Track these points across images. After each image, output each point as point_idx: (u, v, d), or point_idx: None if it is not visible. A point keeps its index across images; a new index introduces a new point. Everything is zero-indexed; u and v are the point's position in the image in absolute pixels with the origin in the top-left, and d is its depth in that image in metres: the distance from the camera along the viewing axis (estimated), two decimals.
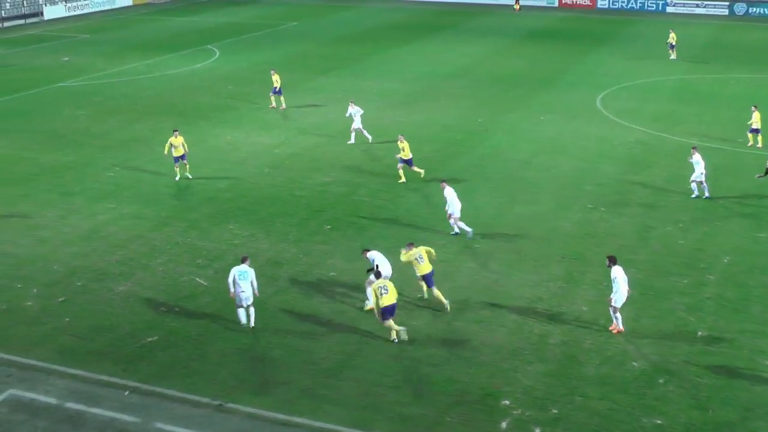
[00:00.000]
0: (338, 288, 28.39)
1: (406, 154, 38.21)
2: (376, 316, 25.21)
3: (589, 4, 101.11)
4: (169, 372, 23.58)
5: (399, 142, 38.62)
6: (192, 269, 29.81)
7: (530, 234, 32.83)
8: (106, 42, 77.92)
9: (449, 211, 32.37)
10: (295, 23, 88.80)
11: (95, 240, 32.53)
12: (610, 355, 24.38)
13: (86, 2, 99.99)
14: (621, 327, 25.50)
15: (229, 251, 31.22)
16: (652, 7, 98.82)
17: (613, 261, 25.54)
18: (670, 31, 70.08)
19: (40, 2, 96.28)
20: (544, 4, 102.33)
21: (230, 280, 25.71)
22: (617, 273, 25.23)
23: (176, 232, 33.11)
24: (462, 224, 32.43)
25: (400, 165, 38.51)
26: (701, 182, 36.21)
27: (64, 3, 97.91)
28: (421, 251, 26.93)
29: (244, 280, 25.62)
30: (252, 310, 25.93)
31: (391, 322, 24.94)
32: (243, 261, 26.13)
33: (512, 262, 30.26)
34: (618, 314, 25.46)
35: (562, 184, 38.39)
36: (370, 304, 26.56)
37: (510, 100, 54.01)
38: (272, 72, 52.38)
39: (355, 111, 44.93)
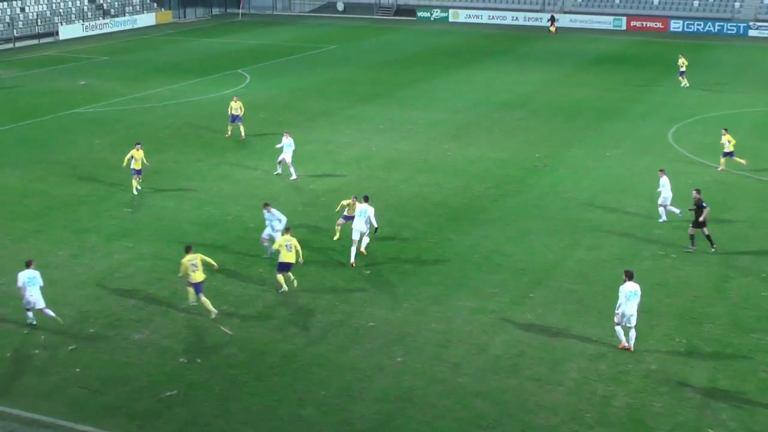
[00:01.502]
0: (378, 340, 28.36)
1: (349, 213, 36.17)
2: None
3: (660, 26, 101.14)
4: (189, 430, 23.64)
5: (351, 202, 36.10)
6: (217, 317, 29.94)
7: (593, 282, 32.65)
8: (127, 65, 79.08)
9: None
10: (334, 46, 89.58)
11: (110, 282, 32.81)
12: (682, 420, 24.10)
13: (105, 21, 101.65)
14: (624, 343, 27.51)
15: (258, 297, 31.34)
16: (732, 30, 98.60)
17: (629, 276, 27.60)
18: (680, 55, 69.78)
19: (56, 21, 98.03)
20: (610, 27, 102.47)
21: (19, 285, 28.89)
22: (625, 289, 27.36)
23: None
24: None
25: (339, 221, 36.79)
26: (666, 206, 38.47)
27: (81, 22, 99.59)
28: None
29: (32, 286, 28.82)
30: (49, 312, 28.88)
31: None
32: (28, 266, 29.23)
33: (573, 314, 30.08)
34: (618, 328, 27.37)
35: (629, 227, 38.19)
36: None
37: (572, 132, 53.96)
38: (235, 99, 53.42)
39: (287, 143, 44.72)
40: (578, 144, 51.37)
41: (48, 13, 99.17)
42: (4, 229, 38.14)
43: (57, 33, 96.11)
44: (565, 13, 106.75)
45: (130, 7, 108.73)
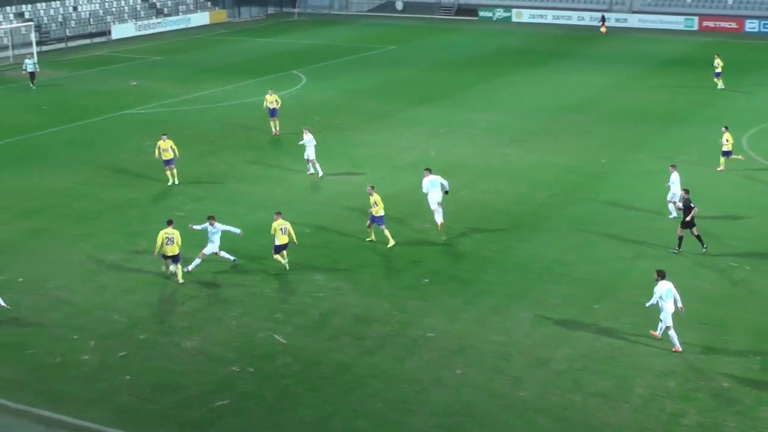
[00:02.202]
0: (436, 351, 28.33)
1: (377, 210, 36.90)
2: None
3: (735, 27, 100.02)
4: None
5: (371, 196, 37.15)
6: (270, 325, 30.10)
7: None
8: (179, 65, 79.82)
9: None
10: (393, 47, 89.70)
11: (161, 288, 33.10)
12: None
13: (158, 21, 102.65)
14: (678, 347, 27.99)
15: (312, 305, 31.46)
16: None
17: (661, 275, 28.31)
18: (716, 56, 69.02)
19: (108, 20, 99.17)
20: (681, 27, 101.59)
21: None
22: (660, 288, 27.99)
23: (253, 282, 33.50)
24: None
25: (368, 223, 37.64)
26: (675, 202, 38.88)
27: (134, 21, 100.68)
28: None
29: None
30: None
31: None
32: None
33: (639, 327, 29.81)
34: (671, 332, 27.96)
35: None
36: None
37: (640, 138, 53.56)
38: (270, 92, 54.70)
39: (308, 140, 45.54)
40: (645, 150, 50.95)
41: (101, 12, 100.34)
42: (53, 233, 38.64)
43: (109, 32, 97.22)
44: (634, 12, 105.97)
45: (184, 6, 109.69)
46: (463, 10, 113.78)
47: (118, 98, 65.67)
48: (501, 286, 33.05)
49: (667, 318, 28.09)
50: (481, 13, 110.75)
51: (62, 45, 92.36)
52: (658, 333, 28.68)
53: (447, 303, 31.65)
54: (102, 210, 41.50)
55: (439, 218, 37.79)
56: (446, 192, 38.44)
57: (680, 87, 68.50)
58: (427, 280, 33.56)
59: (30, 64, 71.53)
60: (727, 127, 46.92)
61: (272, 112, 54.07)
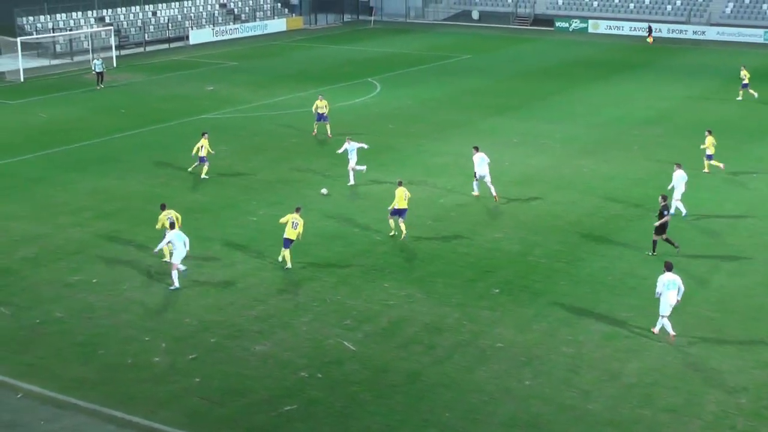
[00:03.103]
0: (505, 362, 28.22)
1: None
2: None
3: None
4: None
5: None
6: (339, 331, 30.20)
7: (734, 310, 31.92)
8: (255, 71, 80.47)
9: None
10: (468, 56, 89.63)
11: (232, 292, 33.38)
12: None
13: (235, 27, 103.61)
14: (671, 332, 29.39)
15: (382, 313, 31.51)
16: None
17: (668, 267, 29.60)
18: (742, 67, 69.17)
19: (186, 25, 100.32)
20: (760, 40, 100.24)
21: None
22: (662, 278, 29.28)
23: (324, 288, 33.65)
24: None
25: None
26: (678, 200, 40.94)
27: (211, 27, 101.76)
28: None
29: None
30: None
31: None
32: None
33: (712, 343, 29.45)
34: (665, 320, 29.31)
35: None
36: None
37: (716, 151, 52.86)
38: (320, 97, 56.54)
39: (351, 147, 46.05)
40: (722, 163, 50.27)
41: (179, 17, 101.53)
42: (128, 234, 39.13)
43: (187, 37, 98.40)
44: (712, 25, 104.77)
45: (261, 13, 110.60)
46: (539, 21, 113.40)
47: (195, 103, 66.36)
48: (572, 297, 32.83)
49: (663, 308, 29.39)
50: (558, 24, 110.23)
51: (141, 49, 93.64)
52: (656, 329, 29.90)
53: (517, 313, 31.52)
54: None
55: (492, 189, 43.18)
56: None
57: (759, 101, 67.51)
58: (497, 290, 33.45)
59: (98, 65, 73.06)
60: (710, 131, 48.71)
61: (320, 117, 55.76)
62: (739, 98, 67.45)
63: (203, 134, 48.03)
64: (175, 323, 30.78)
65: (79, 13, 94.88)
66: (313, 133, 55.77)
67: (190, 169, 48.05)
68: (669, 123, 60.28)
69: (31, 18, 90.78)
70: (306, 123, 58.85)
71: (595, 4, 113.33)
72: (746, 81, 67.96)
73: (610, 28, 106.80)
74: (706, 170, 48.22)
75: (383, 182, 46.23)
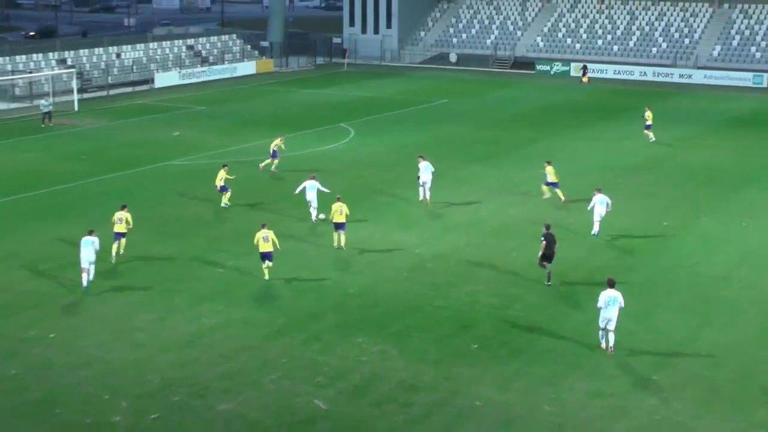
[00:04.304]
0: (485, 422, 28.06)
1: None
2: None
3: None
4: None
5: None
6: (310, 389, 29.98)
7: (726, 366, 31.89)
8: (223, 115, 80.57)
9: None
10: (445, 101, 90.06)
11: (197, 348, 33.12)
12: None
13: (203, 69, 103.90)
14: (603, 345, 32.78)
15: (355, 369, 31.32)
16: None
17: (610, 284, 32.58)
18: (647, 108, 71.17)
19: (152, 68, 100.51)
20: (749, 84, 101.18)
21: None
22: (603, 294, 32.34)
23: (294, 344, 33.44)
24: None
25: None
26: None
27: (177, 69, 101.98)
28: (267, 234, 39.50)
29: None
30: None
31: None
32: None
33: (703, 401, 29.38)
34: (601, 332, 32.51)
35: None
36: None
37: (704, 200, 53.17)
38: (281, 138, 60.65)
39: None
40: (711, 212, 50.55)
41: (144, 59, 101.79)
42: (89, 286, 38.82)
43: (152, 81, 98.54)
44: (699, 68, 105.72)
45: (230, 55, 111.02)
46: (519, 64, 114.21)
47: (160, 149, 66.26)
48: (554, 354, 32.72)
49: (602, 321, 32.45)
50: (539, 67, 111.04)
51: (104, 93, 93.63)
52: (608, 345, 32.63)
53: (497, 371, 31.38)
54: (138, 266, 41.69)
55: (426, 195, 51.39)
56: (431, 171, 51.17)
57: (748, 147, 68.00)
58: (476, 346, 33.32)
59: (45, 105, 73.89)
60: (549, 162, 52.57)
61: (274, 154, 58.77)
62: (652, 140, 68.93)
63: (223, 166, 51.68)
64: (137, 381, 30.48)
65: (40, 55, 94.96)
66: (262, 168, 58.65)
67: (222, 204, 51.01)
68: (657, 170, 60.51)
69: None
70: (279, 170, 58.77)
71: (578, 46, 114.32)
72: (649, 122, 69.62)
73: (594, 71, 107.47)
74: (547, 195, 52.63)
75: (357, 232, 46.16)
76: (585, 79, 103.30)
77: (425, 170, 51.32)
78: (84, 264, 38.17)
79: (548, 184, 52.32)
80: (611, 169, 60.78)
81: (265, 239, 39.29)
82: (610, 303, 32.15)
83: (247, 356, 32.43)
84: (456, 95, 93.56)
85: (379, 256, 43.18)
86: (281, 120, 78.15)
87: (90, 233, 38.82)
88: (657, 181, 57.74)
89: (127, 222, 41.94)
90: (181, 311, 36.37)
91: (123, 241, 42.28)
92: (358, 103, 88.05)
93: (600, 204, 46.03)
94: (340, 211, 43.40)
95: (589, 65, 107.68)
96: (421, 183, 51.70)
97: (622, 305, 32.46)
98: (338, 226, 43.55)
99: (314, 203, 47.64)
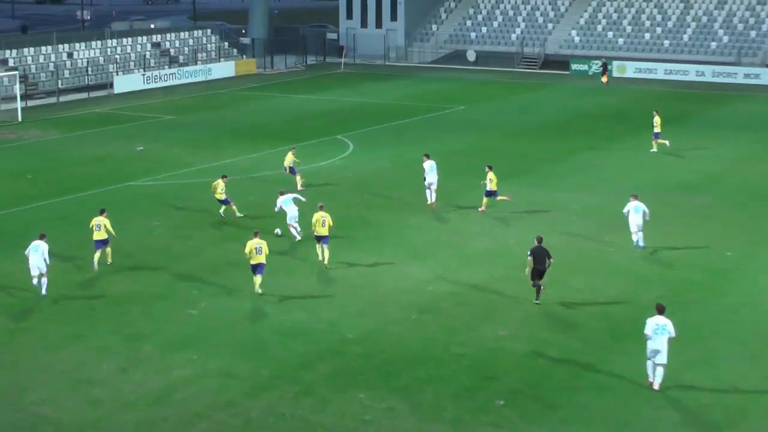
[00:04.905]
0: None
1: None
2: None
3: None
4: None
5: None
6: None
7: None
8: (197, 126, 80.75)
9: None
10: (462, 107, 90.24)
11: (167, 405, 33.12)
12: None
13: (172, 71, 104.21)
14: (651, 379, 33.85)
15: (356, 431, 31.29)
16: None
17: (659, 310, 33.99)
18: (654, 113, 71.62)
19: (110, 70, 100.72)
20: None
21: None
22: (650, 321, 33.60)
23: (282, 400, 33.44)
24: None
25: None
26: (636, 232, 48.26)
27: (141, 72, 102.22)
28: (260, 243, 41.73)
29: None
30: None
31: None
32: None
33: None
34: (649, 363, 33.64)
35: None
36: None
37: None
38: (292, 150, 61.53)
39: (285, 200, 50.09)
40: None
41: (101, 59, 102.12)
42: (34, 332, 38.84)
43: (111, 85, 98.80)
44: None
45: (204, 54, 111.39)
46: (550, 62, 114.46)
47: (121, 166, 66.36)
48: (598, 411, 32.69)
49: (652, 352, 33.46)
50: (574, 66, 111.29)
51: (53, 99, 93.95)
52: (653, 381, 33.74)
53: (527, 431, 31.35)
54: (97, 305, 41.72)
55: (432, 197, 56.02)
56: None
57: None
58: (502, 402, 33.31)
59: None
60: (490, 166, 55.15)
61: (293, 170, 60.16)
62: (654, 150, 69.76)
63: (222, 177, 53.95)
64: None
65: None
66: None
67: (223, 213, 53.89)
68: (714, 189, 60.48)
69: None
70: (261, 189, 58.78)
71: (621, 41, 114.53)
72: (658, 129, 70.09)
73: (640, 71, 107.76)
74: (482, 208, 55.03)
75: (357, 264, 46.24)
76: (604, 79, 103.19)
77: (431, 170, 55.60)
78: (33, 271, 41.89)
79: (488, 193, 54.83)
80: (662, 186, 60.70)
81: (258, 250, 41.82)
82: (659, 332, 33.11)
83: (226, 415, 32.41)
84: (474, 101, 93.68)
85: (384, 292, 43.15)
86: (266, 131, 78.31)
87: (41, 237, 42.84)
88: (717, 202, 57.70)
89: (106, 228, 45.27)
90: (148, 361, 36.32)
91: (108, 249, 45.97)
92: (357, 111, 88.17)
93: (636, 213, 47.85)
94: (322, 222, 45.31)
95: (634, 64, 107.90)
96: (426, 185, 55.90)
97: (673, 335, 33.27)
98: (320, 239, 45.65)
99: (295, 217, 49.74)
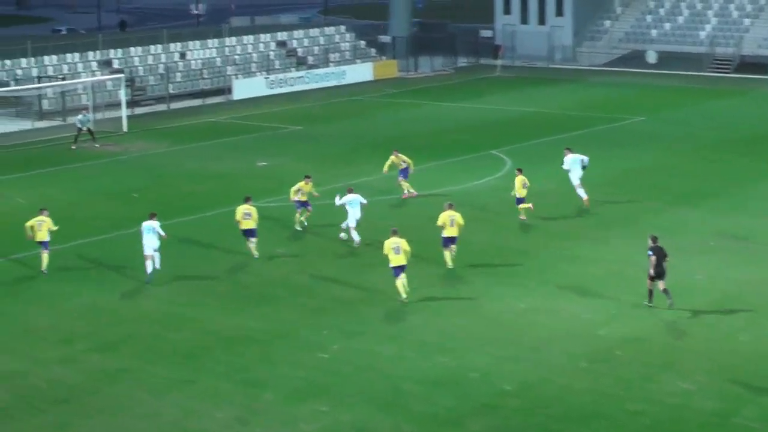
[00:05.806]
0: None
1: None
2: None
3: None
4: None
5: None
6: None
7: None
8: (328, 138, 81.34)
9: None
10: (641, 118, 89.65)
11: None
12: None
13: (300, 75, 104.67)
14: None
15: None
16: None
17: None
18: None
19: (228, 73, 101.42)
20: None
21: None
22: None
23: None
24: None
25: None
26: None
27: (264, 75, 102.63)
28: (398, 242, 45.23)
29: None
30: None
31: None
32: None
33: None
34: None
35: None
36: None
37: None
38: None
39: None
40: None
41: (218, 61, 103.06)
42: (137, 375, 39.16)
43: (229, 90, 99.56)
44: None
45: (338, 54, 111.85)
46: (748, 65, 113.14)
47: (239, 184, 66.76)
48: None
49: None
50: None
51: (163, 106, 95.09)
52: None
53: None
54: (210, 345, 41.98)
55: (583, 194, 59.73)
56: (584, 167, 59.81)
57: None
58: None
59: (80, 120, 75.31)
60: (520, 170, 59.10)
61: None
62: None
63: (306, 177, 57.19)
64: None
65: (77, 55, 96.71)
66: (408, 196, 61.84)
67: (297, 226, 56.87)
68: None
69: (7, 62, 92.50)
70: (407, 215, 58.83)
71: None
72: None
73: None
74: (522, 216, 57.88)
75: (510, 298, 45.96)
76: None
77: (574, 164, 60.27)
78: (147, 251, 48.66)
79: (519, 201, 57.90)
80: None
81: (397, 250, 45.31)
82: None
83: None
84: (656, 110, 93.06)
85: (547, 336, 42.84)
86: (407, 144, 78.11)
87: (151, 217, 49.60)
88: None
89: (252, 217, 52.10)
90: (269, 411, 36.47)
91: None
92: (516, 122, 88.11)
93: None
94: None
95: None
96: (573, 184, 60.52)
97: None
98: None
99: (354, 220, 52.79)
